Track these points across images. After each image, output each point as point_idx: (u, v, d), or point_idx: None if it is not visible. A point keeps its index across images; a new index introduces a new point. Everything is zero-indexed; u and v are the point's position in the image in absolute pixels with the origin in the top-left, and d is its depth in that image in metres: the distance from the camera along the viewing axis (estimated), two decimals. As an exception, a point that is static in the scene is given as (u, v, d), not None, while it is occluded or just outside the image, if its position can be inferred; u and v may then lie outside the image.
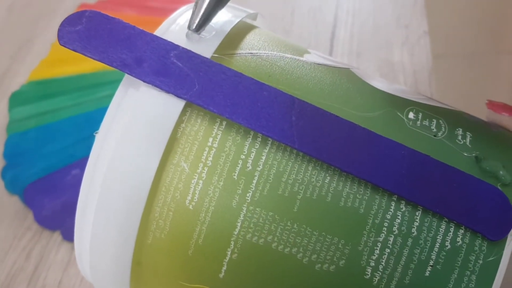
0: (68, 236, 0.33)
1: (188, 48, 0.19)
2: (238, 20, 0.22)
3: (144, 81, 0.18)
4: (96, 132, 0.19)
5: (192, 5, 0.22)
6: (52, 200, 0.35)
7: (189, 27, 0.20)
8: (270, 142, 0.18)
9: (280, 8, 0.48)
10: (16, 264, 0.33)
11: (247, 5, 0.48)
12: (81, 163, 0.36)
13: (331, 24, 0.46)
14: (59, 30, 0.19)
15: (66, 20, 0.19)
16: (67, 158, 0.37)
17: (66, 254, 0.33)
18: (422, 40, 0.43)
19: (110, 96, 0.40)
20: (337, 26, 0.46)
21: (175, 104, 0.18)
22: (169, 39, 0.19)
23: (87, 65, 0.42)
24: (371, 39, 0.44)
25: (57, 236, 0.34)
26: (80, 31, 0.19)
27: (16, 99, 0.41)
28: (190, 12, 0.21)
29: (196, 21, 0.20)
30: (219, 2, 0.20)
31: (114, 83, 0.41)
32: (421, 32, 0.44)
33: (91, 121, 0.39)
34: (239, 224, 0.18)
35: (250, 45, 0.21)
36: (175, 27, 0.20)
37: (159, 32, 0.20)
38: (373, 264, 0.18)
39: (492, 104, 0.22)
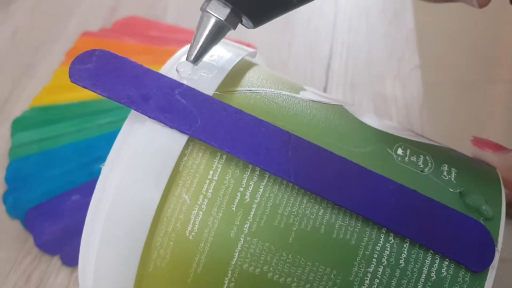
0: (68, 260, 0.34)
1: (192, 86, 0.20)
2: (238, 59, 0.23)
3: (149, 116, 0.19)
4: (103, 165, 0.20)
5: None
6: (52, 225, 0.36)
7: (187, 58, 0.21)
8: (267, 176, 0.19)
9: (278, 40, 0.50)
10: (16, 287, 0.34)
11: (246, 37, 0.50)
12: (82, 188, 0.37)
13: (326, 56, 0.48)
14: (70, 68, 0.20)
15: (77, 58, 0.20)
16: (68, 183, 0.38)
17: (65, 279, 0.34)
18: (414, 73, 0.45)
19: (111, 123, 0.42)
20: (332, 59, 0.47)
21: (179, 139, 0.19)
22: (173, 77, 0.20)
23: (88, 92, 0.44)
24: (365, 72, 0.46)
25: (56, 260, 0.35)
26: (90, 69, 0.20)
27: (19, 125, 0.42)
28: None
29: (194, 53, 0.21)
30: (215, 37, 0.21)
31: (115, 111, 0.42)
32: (412, 66, 0.46)
33: (92, 147, 0.40)
34: (236, 254, 0.19)
35: (250, 83, 0.22)
36: (178, 66, 0.21)
37: (164, 70, 0.22)
38: None
39: (476, 141, 0.23)
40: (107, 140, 0.40)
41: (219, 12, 0.21)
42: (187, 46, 0.24)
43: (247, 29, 0.50)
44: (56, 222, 0.36)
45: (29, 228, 0.36)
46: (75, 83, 0.20)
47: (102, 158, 0.40)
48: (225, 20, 0.21)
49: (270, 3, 0.21)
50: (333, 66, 0.46)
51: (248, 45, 0.48)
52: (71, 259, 0.34)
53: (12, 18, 0.55)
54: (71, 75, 0.20)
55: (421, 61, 0.46)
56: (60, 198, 0.37)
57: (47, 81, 0.47)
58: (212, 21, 0.21)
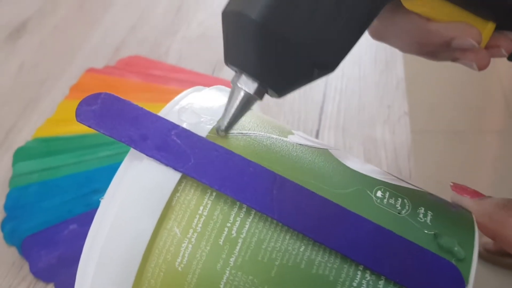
0: (62, 288, 0.35)
1: (188, 128, 0.22)
2: None
3: (147, 155, 0.21)
4: (102, 198, 0.22)
5: (196, 88, 0.25)
6: (49, 253, 0.37)
7: (218, 128, 0.22)
8: (253, 212, 0.20)
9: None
10: (8, 313, 0.34)
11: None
12: (79, 218, 0.38)
13: (320, 100, 0.50)
14: (77, 109, 0.22)
15: (84, 100, 0.22)
16: (65, 213, 0.39)
17: (58, 306, 0.35)
18: (403, 119, 0.47)
19: (110, 156, 0.43)
20: (325, 102, 0.49)
21: (172, 176, 0.21)
22: (171, 119, 0.22)
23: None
24: (356, 116, 0.48)
25: (50, 288, 0.36)
26: (95, 110, 0.22)
27: (21, 155, 0.44)
28: (193, 95, 0.24)
29: (225, 123, 0.22)
30: (245, 107, 0.23)
31: (114, 144, 0.44)
32: (401, 113, 0.48)
33: (90, 179, 0.41)
34: (222, 286, 0.20)
35: (241, 126, 0.24)
36: (176, 109, 0.23)
37: (163, 112, 0.23)
38: None
39: (455, 187, 0.25)
40: (106, 173, 0.42)
41: (248, 87, 0.22)
42: (186, 92, 0.25)
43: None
44: (52, 250, 0.37)
45: (25, 255, 0.37)
46: (81, 123, 0.22)
47: (100, 190, 0.41)
48: (254, 93, 0.22)
49: (293, 78, 0.22)
50: (326, 109, 0.48)
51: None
52: (65, 287, 0.35)
53: (19, 52, 0.57)
54: (77, 115, 0.22)
55: (410, 108, 0.48)
56: (57, 227, 0.38)
57: (50, 114, 0.49)
58: (242, 94, 0.22)
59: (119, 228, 0.20)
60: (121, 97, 0.23)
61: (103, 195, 0.40)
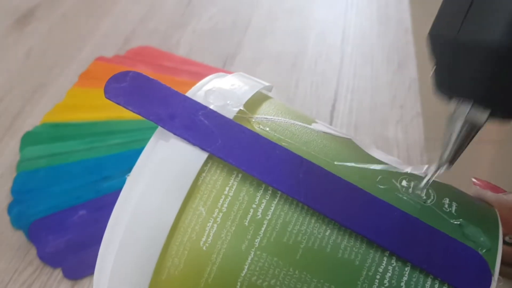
0: (70, 274, 0.35)
1: (214, 109, 0.22)
2: (256, 90, 0.25)
3: (174, 133, 0.21)
4: (128, 175, 0.22)
5: (216, 74, 0.26)
6: (57, 238, 0.36)
7: (441, 162, 0.22)
8: (279, 195, 0.21)
9: (285, 79, 0.52)
10: (14, 297, 0.34)
11: (254, 75, 0.52)
12: (89, 204, 0.38)
13: (331, 98, 0.50)
14: (106, 86, 0.22)
15: (112, 77, 0.22)
16: (74, 199, 0.38)
17: (65, 292, 0.34)
18: (415, 120, 0.47)
19: (120, 145, 0.43)
20: (337, 100, 0.49)
21: (199, 156, 0.21)
22: (198, 100, 0.22)
23: (100, 113, 0.45)
24: (368, 115, 0.48)
25: (58, 273, 0.35)
26: (124, 88, 0.22)
27: (29, 139, 0.43)
28: (217, 80, 0.24)
29: (450, 157, 0.22)
30: (470, 138, 0.21)
31: (124, 133, 0.44)
32: (414, 113, 0.48)
33: (100, 166, 0.41)
34: (246, 267, 0.20)
35: (266, 111, 0.24)
36: (203, 92, 0.23)
37: (190, 93, 0.23)
38: None
39: (478, 181, 0.26)
40: (116, 160, 0.42)
41: (478, 118, 0.21)
42: (210, 77, 0.26)
43: (255, 67, 0.53)
44: (61, 235, 0.36)
45: (32, 240, 0.36)
46: (110, 99, 0.22)
47: (110, 177, 0.41)
48: (484, 122, 0.21)
49: None
50: (338, 107, 0.48)
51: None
52: (73, 273, 0.35)
53: (26, 38, 0.57)
54: (106, 92, 0.22)
55: (423, 110, 0.48)
56: (66, 212, 0.38)
57: (58, 100, 0.48)
58: (469, 126, 0.21)
59: (145, 206, 0.20)
60: (148, 76, 0.23)
61: (112, 183, 0.40)
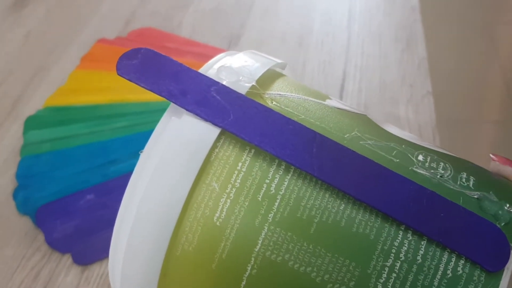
0: (79, 259, 0.34)
1: (227, 85, 0.22)
2: (269, 66, 0.25)
3: (186, 109, 0.21)
4: (141, 151, 0.22)
5: (227, 52, 0.25)
6: (64, 223, 0.36)
7: None
8: (292, 170, 0.21)
9: (292, 60, 0.51)
10: (23, 284, 0.33)
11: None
12: (96, 188, 0.37)
13: (340, 77, 0.49)
14: (118, 63, 0.22)
15: (124, 54, 0.22)
16: (81, 183, 0.38)
17: (75, 278, 0.34)
18: (426, 99, 0.47)
19: (125, 128, 0.42)
20: (346, 80, 0.49)
21: (212, 131, 0.21)
22: (210, 76, 0.22)
23: (104, 96, 0.44)
24: (378, 94, 0.47)
25: (67, 258, 0.35)
26: (136, 65, 0.22)
27: (32, 123, 0.43)
28: (228, 57, 0.24)
29: None
30: None
31: (129, 115, 0.43)
32: (424, 92, 0.47)
33: (106, 150, 0.40)
34: (260, 242, 0.20)
35: (279, 87, 0.24)
36: (215, 68, 0.23)
37: (202, 70, 0.23)
38: (381, 286, 0.20)
39: (497, 157, 0.25)
40: (122, 144, 0.41)
41: None
42: (221, 55, 0.26)
43: (260, 47, 0.52)
44: (68, 219, 0.36)
45: (40, 225, 0.36)
46: (122, 76, 0.22)
47: (117, 161, 0.40)
48: None
49: None
50: (346, 87, 0.48)
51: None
52: (82, 258, 0.34)
53: (25, 21, 0.56)
54: (118, 69, 0.22)
55: (433, 89, 0.47)
56: (73, 197, 0.37)
57: (59, 83, 0.48)
58: None
59: (158, 182, 0.20)
60: (159, 53, 0.23)
61: (119, 166, 0.39)
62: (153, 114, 0.43)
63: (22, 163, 0.40)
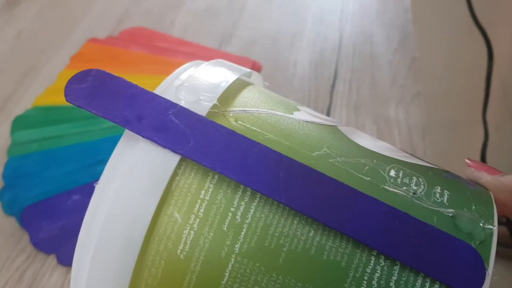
0: (64, 260, 0.34)
1: (186, 106, 0.20)
2: (233, 79, 0.23)
3: (143, 136, 0.19)
4: (97, 183, 0.20)
5: (195, 62, 0.24)
6: (50, 224, 0.35)
7: None
8: (258, 196, 0.19)
9: (283, 60, 0.50)
10: (7, 285, 0.33)
11: (251, 54, 0.51)
12: (82, 189, 0.37)
13: (331, 77, 0.48)
14: (66, 88, 0.20)
15: (73, 78, 0.21)
16: (68, 183, 0.37)
17: (59, 278, 0.33)
18: (416, 100, 0.46)
19: (114, 127, 0.42)
20: (336, 80, 0.48)
21: (171, 159, 0.19)
22: (168, 97, 0.21)
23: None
24: (369, 95, 0.46)
25: (52, 259, 0.34)
26: (86, 89, 0.20)
27: (20, 123, 0.42)
28: (189, 72, 0.23)
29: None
30: None
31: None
32: (415, 92, 0.47)
33: (94, 150, 0.40)
34: (227, 274, 0.19)
35: (244, 102, 0.22)
36: (174, 86, 0.22)
37: (159, 89, 0.22)
38: None
39: (473, 163, 0.24)
40: (111, 143, 0.40)
41: None
42: (183, 67, 0.24)
43: (251, 47, 0.51)
44: (54, 220, 0.35)
45: (25, 226, 0.35)
46: (71, 102, 0.20)
47: (105, 161, 0.39)
48: None
49: None
50: (337, 87, 0.47)
51: (254, 63, 0.49)
52: (67, 259, 0.34)
53: (16, 20, 0.55)
54: (66, 95, 0.20)
55: (424, 89, 0.47)
56: (59, 197, 0.36)
57: (50, 83, 0.47)
58: None
59: (116, 216, 0.19)
60: (113, 74, 0.21)
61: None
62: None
63: (9, 163, 0.38)
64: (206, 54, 0.50)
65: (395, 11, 0.56)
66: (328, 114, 0.44)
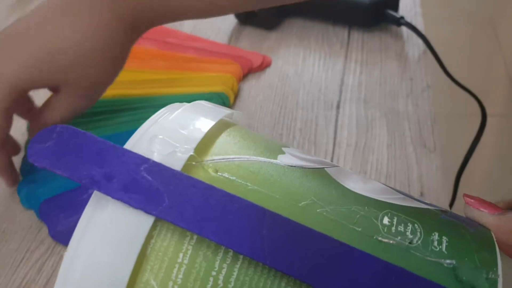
0: (82, 252, 0.34)
1: (159, 160, 0.18)
2: (211, 125, 0.21)
3: (113, 197, 0.18)
4: (65, 252, 0.19)
5: (167, 108, 0.22)
6: (68, 216, 0.35)
7: None
8: (241, 257, 0.17)
9: (292, 53, 0.51)
10: (27, 276, 0.33)
11: (261, 49, 0.52)
12: (98, 182, 0.38)
13: (340, 71, 0.48)
14: (29, 148, 0.18)
15: (36, 136, 0.19)
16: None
17: (78, 270, 0.34)
18: (426, 93, 0.46)
19: (127, 122, 0.42)
20: (345, 74, 0.49)
21: (144, 221, 0.17)
22: (140, 151, 0.19)
23: (107, 92, 0.45)
24: (378, 88, 0.46)
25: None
26: (50, 148, 0.19)
27: (36, 118, 0.43)
28: (163, 120, 0.21)
29: None
30: None
31: (132, 110, 0.43)
32: (424, 86, 0.47)
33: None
34: None
35: (223, 150, 0.20)
36: (146, 138, 0.20)
37: (130, 142, 0.20)
38: None
39: (471, 200, 0.22)
40: (125, 139, 0.41)
41: None
42: (157, 114, 0.22)
43: (263, 41, 0.52)
44: (71, 213, 0.35)
45: (43, 219, 0.35)
46: (34, 164, 0.18)
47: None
48: None
49: None
50: (346, 81, 0.47)
51: (264, 58, 0.50)
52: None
53: (29, 18, 0.56)
54: (29, 156, 0.18)
55: (433, 82, 0.47)
56: (76, 191, 0.37)
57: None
58: None
59: (87, 286, 0.17)
60: (79, 129, 0.19)
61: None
62: (155, 109, 0.44)
63: (26, 158, 0.40)
64: (216, 49, 0.50)
65: (403, 4, 0.56)
66: (338, 108, 0.45)
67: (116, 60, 0.33)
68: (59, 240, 0.34)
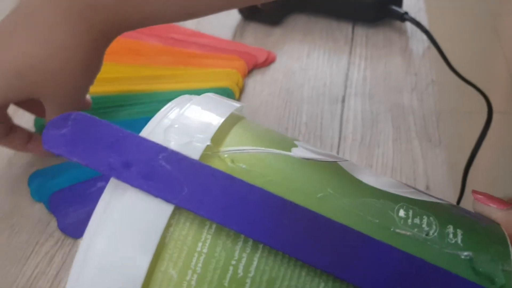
0: (91, 244, 0.35)
1: (177, 150, 0.18)
2: (225, 116, 0.21)
3: (132, 185, 0.17)
4: (81, 238, 0.18)
5: (180, 98, 0.22)
6: (77, 209, 0.35)
7: None
8: (261, 246, 0.17)
9: (297, 49, 0.50)
10: (38, 268, 0.34)
11: (266, 45, 0.52)
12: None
13: (345, 66, 0.48)
14: (43, 134, 0.18)
15: (51, 123, 0.18)
16: (93, 171, 0.38)
17: (88, 262, 0.34)
18: (430, 87, 0.47)
19: (139, 113, 0.43)
20: (350, 69, 0.49)
21: (164, 209, 0.17)
22: (156, 140, 0.18)
23: (112, 87, 0.45)
24: (382, 83, 0.46)
25: (79, 244, 0.35)
26: (66, 135, 0.18)
27: (43, 112, 0.43)
28: (177, 110, 0.20)
29: None
30: None
31: (138, 105, 0.43)
32: (429, 81, 0.47)
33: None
34: None
35: (238, 139, 0.20)
36: (162, 127, 0.19)
37: (146, 131, 0.19)
38: None
39: (479, 196, 0.22)
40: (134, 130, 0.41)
41: None
42: (171, 104, 0.21)
43: (267, 37, 0.52)
44: (80, 206, 0.35)
45: (53, 211, 0.35)
46: (50, 150, 0.18)
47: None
48: None
49: None
50: (351, 76, 0.48)
51: (269, 54, 0.50)
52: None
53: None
54: (44, 142, 0.18)
55: (437, 77, 0.48)
56: (85, 184, 0.37)
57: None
58: None
59: (105, 274, 0.17)
60: (94, 116, 0.18)
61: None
62: (161, 104, 0.44)
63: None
64: (221, 45, 0.51)
65: (407, 0, 0.57)
66: (343, 102, 0.45)
67: (89, 67, 0.34)
68: (68, 233, 0.34)
